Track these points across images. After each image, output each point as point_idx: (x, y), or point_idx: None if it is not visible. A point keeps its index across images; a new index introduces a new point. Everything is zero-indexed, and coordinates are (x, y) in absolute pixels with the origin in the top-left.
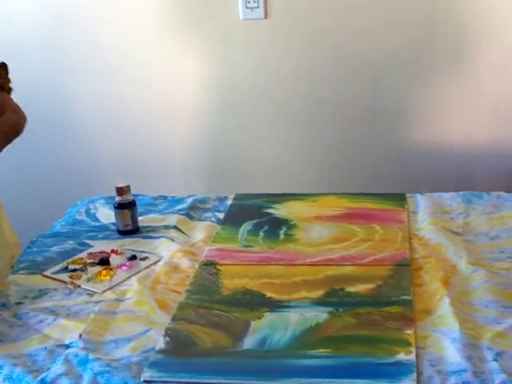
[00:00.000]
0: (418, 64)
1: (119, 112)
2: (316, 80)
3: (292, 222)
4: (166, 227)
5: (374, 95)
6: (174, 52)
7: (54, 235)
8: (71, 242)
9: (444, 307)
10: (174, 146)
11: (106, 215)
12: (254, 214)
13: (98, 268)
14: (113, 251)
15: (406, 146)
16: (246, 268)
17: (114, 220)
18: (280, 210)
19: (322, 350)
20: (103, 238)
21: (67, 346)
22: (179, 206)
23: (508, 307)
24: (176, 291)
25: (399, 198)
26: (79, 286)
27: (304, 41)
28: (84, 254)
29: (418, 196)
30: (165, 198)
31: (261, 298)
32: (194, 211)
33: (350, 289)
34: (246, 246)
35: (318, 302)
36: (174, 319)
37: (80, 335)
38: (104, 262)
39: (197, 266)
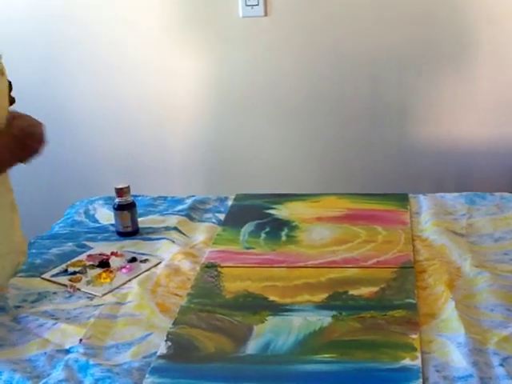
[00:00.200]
0: (419, 62)
1: (118, 111)
2: (316, 78)
3: (293, 224)
4: (167, 228)
5: (374, 93)
6: (174, 50)
7: (52, 237)
8: (70, 243)
9: (449, 311)
10: (174, 146)
11: (105, 216)
12: (255, 215)
13: (98, 270)
14: (113, 253)
15: (407, 144)
16: (248, 270)
17: (113, 221)
18: (281, 211)
19: (326, 355)
20: (103, 240)
21: (67, 351)
22: (179, 207)
23: None
24: (177, 294)
25: (401, 199)
26: (79, 289)
27: (304, 38)
28: (83, 257)
29: (421, 196)
30: (165, 198)
31: (263, 302)
32: (194, 212)
33: (354, 292)
34: (248, 248)
35: (322, 306)
36: (175, 323)
37: (80, 340)
38: (104, 264)
39: (198, 268)
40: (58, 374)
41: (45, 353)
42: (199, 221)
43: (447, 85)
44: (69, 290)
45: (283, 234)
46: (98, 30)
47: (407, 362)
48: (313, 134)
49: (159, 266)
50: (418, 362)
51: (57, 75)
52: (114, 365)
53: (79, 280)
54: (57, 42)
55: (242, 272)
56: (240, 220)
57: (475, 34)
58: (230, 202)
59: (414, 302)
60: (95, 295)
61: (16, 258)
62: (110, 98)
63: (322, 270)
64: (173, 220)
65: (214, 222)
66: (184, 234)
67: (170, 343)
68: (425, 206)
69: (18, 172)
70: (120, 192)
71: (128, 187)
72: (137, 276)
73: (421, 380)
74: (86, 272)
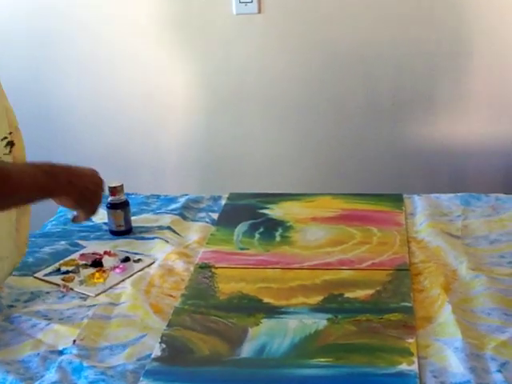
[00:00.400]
0: (413, 61)
1: (110, 109)
2: (310, 75)
3: (288, 224)
4: (160, 228)
5: (368, 92)
6: (166, 48)
7: (45, 235)
8: (63, 242)
9: (445, 314)
10: (167, 144)
11: (98, 214)
12: (249, 215)
13: (91, 270)
14: (106, 253)
15: (400, 143)
16: (242, 271)
17: (106, 219)
18: (275, 211)
19: (321, 360)
20: (95, 239)
21: (61, 352)
22: (172, 206)
23: (510, 315)
24: (171, 295)
25: (396, 199)
26: (72, 289)
27: (298, 36)
28: (76, 256)
29: (416, 197)
30: (158, 196)
31: (258, 304)
32: (187, 211)
33: (349, 294)
34: (242, 249)
35: (317, 309)
36: (169, 325)
37: (74, 341)
38: (97, 263)
39: (192, 268)
40: (52, 375)
41: (38, 354)
42: (192, 220)
43: (441, 84)
44: (62, 289)
45: (277, 234)
46: (90, 27)
47: (404, 366)
48: (306, 133)
49: (152, 265)
50: (414, 367)
51: (49, 73)
52: (107, 367)
53: (72, 279)
54: (48, 39)
55: (236, 273)
56: (234, 220)
57: (470, 34)
58: (223, 201)
59: (410, 305)
60: (88, 295)
61: (15, 259)
62: (103, 96)
63: (316, 272)
64: (166, 219)
65: (207, 222)
66: (177, 234)
67: (164, 345)
68: (419, 206)
69: None
70: (113, 190)
71: (121, 186)
72: (130, 276)
73: None
74: (78, 271)
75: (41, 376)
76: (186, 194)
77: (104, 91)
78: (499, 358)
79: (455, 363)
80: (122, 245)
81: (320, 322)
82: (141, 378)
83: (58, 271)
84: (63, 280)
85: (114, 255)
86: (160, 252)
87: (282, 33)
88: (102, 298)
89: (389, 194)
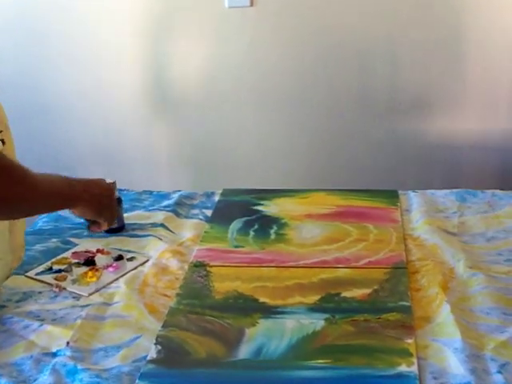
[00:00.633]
0: (408, 55)
1: (101, 104)
2: (303, 69)
3: (283, 221)
4: (153, 225)
5: (362, 86)
6: (158, 41)
7: (36, 232)
8: (55, 239)
9: (444, 314)
10: (159, 139)
11: None
12: (243, 212)
13: (84, 269)
14: (98, 251)
15: (395, 138)
16: (238, 270)
17: None
18: (270, 207)
19: (320, 361)
20: (88, 236)
21: (54, 354)
22: (165, 202)
23: (509, 314)
24: (166, 295)
25: (391, 196)
26: (65, 289)
27: (290, 29)
28: (69, 254)
29: (411, 193)
30: (150, 193)
31: (254, 303)
32: (180, 208)
33: (346, 293)
34: (236, 247)
35: (314, 308)
36: (164, 326)
37: (67, 343)
38: (89, 262)
39: (186, 267)
40: (46, 378)
41: (31, 356)
42: (186, 217)
43: (437, 80)
44: (54, 289)
45: (272, 231)
46: (83, 23)
47: (403, 368)
48: (300, 127)
49: (146, 264)
50: (414, 369)
51: (41, 68)
52: (102, 369)
53: (64, 278)
54: (40, 33)
55: (231, 271)
56: (227, 217)
57: (466, 31)
58: (216, 198)
59: (408, 304)
60: (81, 295)
61: (9, 263)
62: (95, 91)
63: (313, 270)
64: (159, 216)
65: (201, 219)
66: (171, 231)
67: (159, 347)
68: (415, 203)
69: None
70: None
71: (114, 183)
72: (124, 275)
73: None
74: (71, 270)
75: (34, 379)
76: (179, 190)
77: (97, 87)
78: (499, 358)
79: (455, 364)
80: (115, 242)
81: (317, 322)
82: (136, 381)
83: (50, 270)
84: (56, 279)
85: (107, 253)
86: (153, 250)
87: (275, 26)
88: (96, 298)
89: (384, 190)
